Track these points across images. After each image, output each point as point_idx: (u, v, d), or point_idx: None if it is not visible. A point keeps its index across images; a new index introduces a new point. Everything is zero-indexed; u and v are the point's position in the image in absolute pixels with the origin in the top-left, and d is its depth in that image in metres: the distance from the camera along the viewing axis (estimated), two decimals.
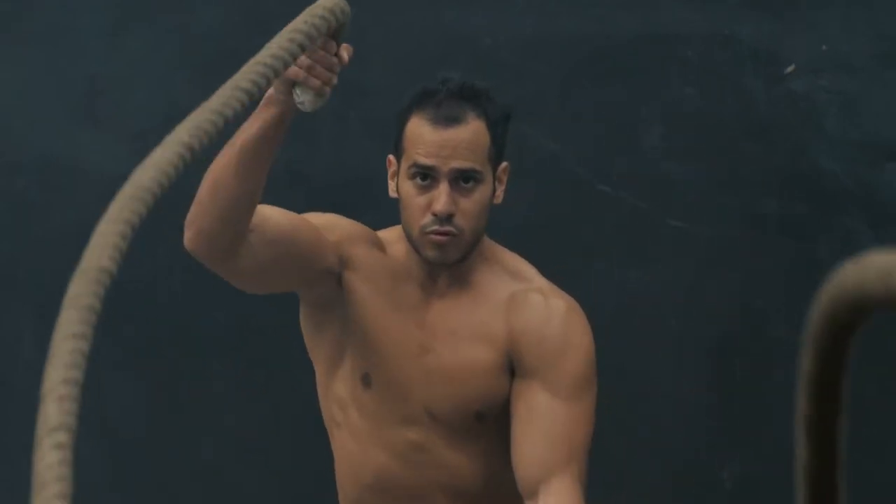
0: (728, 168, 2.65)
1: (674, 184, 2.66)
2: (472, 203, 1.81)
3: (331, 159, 2.66)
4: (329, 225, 1.88)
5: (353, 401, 1.91)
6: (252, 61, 0.86)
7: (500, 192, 1.88)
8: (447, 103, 1.81)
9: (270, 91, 1.64)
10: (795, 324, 2.71)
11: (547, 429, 1.84)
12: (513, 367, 1.88)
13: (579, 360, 1.89)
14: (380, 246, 1.91)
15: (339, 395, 1.92)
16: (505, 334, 1.88)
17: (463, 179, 1.80)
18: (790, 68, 2.57)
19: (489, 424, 1.90)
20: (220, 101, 0.79)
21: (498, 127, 1.85)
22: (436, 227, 1.79)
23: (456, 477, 1.91)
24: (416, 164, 1.80)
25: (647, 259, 2.65)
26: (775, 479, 2.66)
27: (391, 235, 1.92)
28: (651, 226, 2.67)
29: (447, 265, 1.85)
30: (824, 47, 2.59)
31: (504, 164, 1.87)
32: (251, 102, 0.83)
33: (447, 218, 1.78)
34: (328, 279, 1.87)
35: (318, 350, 1.94)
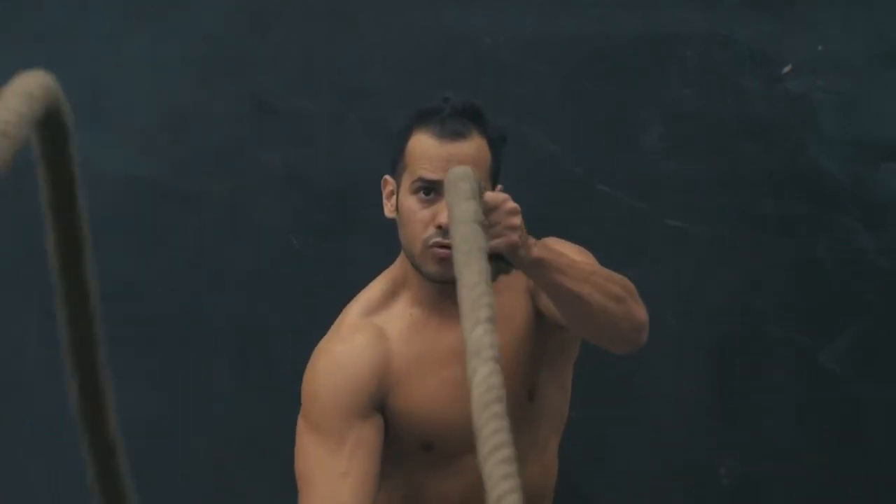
0: (726, 168, 2.65)
1: (672, 183, 2.66)
2: None
3: (331, 160, 2.67)
4: (351, 396, 1.87)
5: (411, 459, 1.93)
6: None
7: None
8: (451, 120, 1.82)
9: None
10: (791, 322, 2.73)
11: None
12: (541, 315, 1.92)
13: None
14: (384, 334, 1.90)
15: (391, 457, 1.92)
16: (530, 306, 1.93)
17: None
18: (787, 68, 2.57)
19: (539, 401, 1.95)
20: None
21: (497, 147, 1.86)
22: (439, 240, 1.78)
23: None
24: (421, 179, 1.80)
25: (646, 259, 2.65)
26: (774, 477, 2.67)
27: (383, 291, 1.92)
28: (650, 225, 2.67)
29: (449, 282, 1.76)
30: (820, 47, 2.60)
31: (499, 186, 1.87)
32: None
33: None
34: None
35: None
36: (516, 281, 1.89)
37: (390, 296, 1.90)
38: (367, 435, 1.84)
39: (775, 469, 2.64)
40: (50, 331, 2.96)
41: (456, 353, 1.81)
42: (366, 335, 1.90)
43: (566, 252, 1.87)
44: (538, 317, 1.93)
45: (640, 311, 1.93)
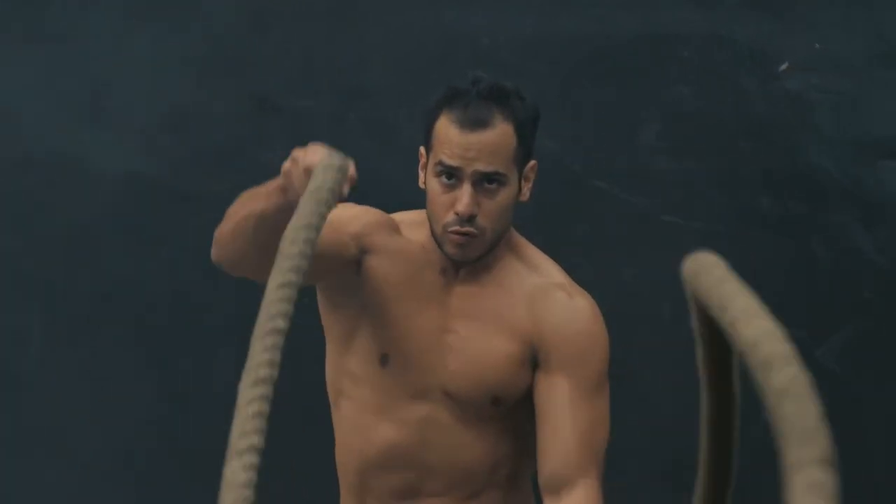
0: (723, 166, 2.66)
1: (670, 180, 2.67)
2: (494, 204, 1.83)
3: None
4: (349, 217, 1.89)
5: (367, 377, 1.92)
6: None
7: (526, 190, 1.89)
8: (475, 105, 1.81)
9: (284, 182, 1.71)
10: (789, 320, 2.74)
11: (572, 427, 1.85)
12: (535, 361, 1.89)
13: (602, 359, 1.91)
14: (399, 232, 1.93)
15: (351, 370, 1.93)
16: (529, 327, 1.89)
17: (486, 181, 1.82)
18: (784, 66, 2.58)
19: (503, 410, 1.91)
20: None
21: (526, 128, 1.86)
22: (457, 227, 1.81)
23: (463, 456, 1.91)
24: (441, 164, 1.81)
25: (643, 255, 2.67)
26: (771, 475, 2.68)
27: (415, 218, 1.93)
28: (646, 222, 2.68)
29: (467, 263, 1.88)
30: (818, 46, 2.60)
31: (532, 162, 1.88)
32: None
33: (469, 219, 1.81)
34: (348, 268, 1.89)
35: (332, 326, 1.95)
36: (517, 288, 1.91)
37: (421, 224, 1.91)
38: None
39: (772, 466, 2.65)
40: (51, 327, 2.98)
41: (431, 299, 1.90)
42: (383, 215, 1.95)
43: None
44: (531, 348, 1.90)
45: None
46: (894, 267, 2.61)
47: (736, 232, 2.66)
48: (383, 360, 1.90)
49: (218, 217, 1.88)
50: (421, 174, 1.88)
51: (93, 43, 2.73)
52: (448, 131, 1.81)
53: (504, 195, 1.84)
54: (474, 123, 1.81)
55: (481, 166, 1.80)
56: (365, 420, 1.93)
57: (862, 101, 2.61)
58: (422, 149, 1.88)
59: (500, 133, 1.82)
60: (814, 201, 2.62)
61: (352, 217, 1.90)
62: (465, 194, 1.79)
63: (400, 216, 1.96)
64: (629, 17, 2.66)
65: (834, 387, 2.61)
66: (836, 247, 2.59)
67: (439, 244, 1.86)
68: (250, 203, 1.80)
